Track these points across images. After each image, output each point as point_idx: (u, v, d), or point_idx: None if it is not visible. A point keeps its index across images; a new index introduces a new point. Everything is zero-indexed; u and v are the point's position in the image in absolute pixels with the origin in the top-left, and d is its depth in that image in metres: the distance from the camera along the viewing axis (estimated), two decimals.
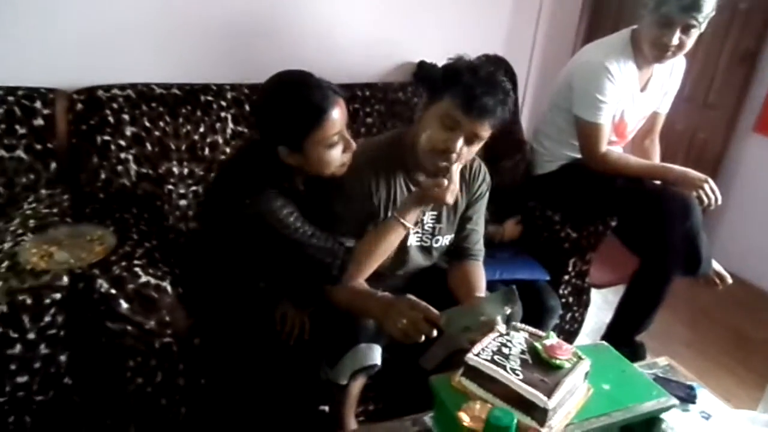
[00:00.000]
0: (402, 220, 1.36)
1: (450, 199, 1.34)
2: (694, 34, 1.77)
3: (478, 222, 1.59)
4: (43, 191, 1.58)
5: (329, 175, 1.33)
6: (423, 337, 1.20)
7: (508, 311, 1.26)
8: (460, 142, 1.31)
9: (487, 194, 1.58)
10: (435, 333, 1.21)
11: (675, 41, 1.75)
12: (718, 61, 2.80)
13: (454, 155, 1.32)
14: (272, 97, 1.30)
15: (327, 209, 1.40)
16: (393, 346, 1.46)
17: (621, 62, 1.84)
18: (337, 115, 1.26)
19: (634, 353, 1.94)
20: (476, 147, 1.36)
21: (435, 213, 1.51)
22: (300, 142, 1.26)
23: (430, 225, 1.52)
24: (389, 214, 1.42)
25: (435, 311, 1.22)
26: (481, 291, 1.49)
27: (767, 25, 2.63)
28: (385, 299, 1.31)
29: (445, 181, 1.31)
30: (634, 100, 1.94)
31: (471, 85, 1.27)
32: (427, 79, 1.37)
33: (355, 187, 1.40)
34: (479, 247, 1.59)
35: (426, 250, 1.55)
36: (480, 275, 1.55)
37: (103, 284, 1.26)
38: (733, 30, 2.71)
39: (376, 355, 1.36)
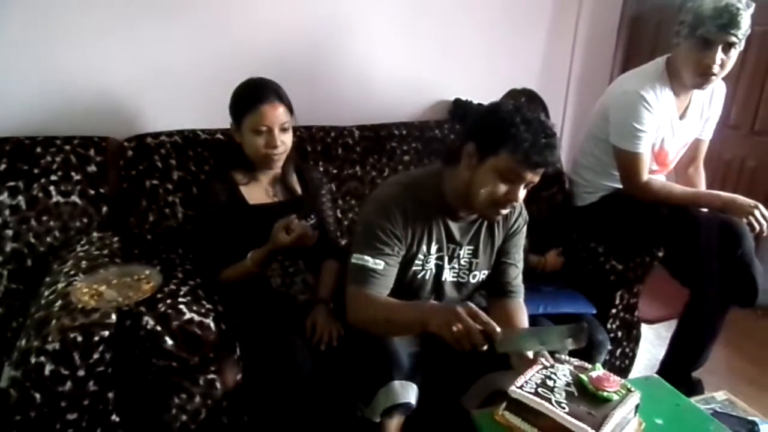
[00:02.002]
0: (248, 260, 1.55)
1: (291, 241, 1.48)
2: (734, 53, 1.74)
3: (516, 257, 1.55)
4: (95, 234, 1.66)
5: (255, 161, 1.63)
6: (471, 347, 1.16)
7: (571, 347, 1.22)
8: (522, 191, 1.32)
9: (525, 229, 1.55)
10: (486, 347, 1.17)
11: (718, 61, 1.72)
12: (764, 87, 2.74)
13: (517, 203, 1.34)
14: (238, 86, 1.65)
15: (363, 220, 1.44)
16: (432, 384, 1.44)
17: (657, 90, 1.82)
18: (268, 112, 1.56)
19: (691, 390, 1.84)
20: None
21: (471, 248, 1.49)
22: (239, 120, 1.60)
23: (467, 260, 1.50)
24: (421, 251, 1.43)
25: (495, 325, 1.17)
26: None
27: None
28: (437, 304, 1.31)
29: (294, 222, 1.49)
30: (673, 127, 1.91)
31: (528, 140, 1.24)
32: (477, 132, 1.34)
33: (390, 215, 1.39)
34: (518, 282, 1.54)
35: (462, 285, 1.53)
36: (521, 312, 1.51)
37: (149, 321, 1.29)
38: None
39: (410, 393, 1.34)
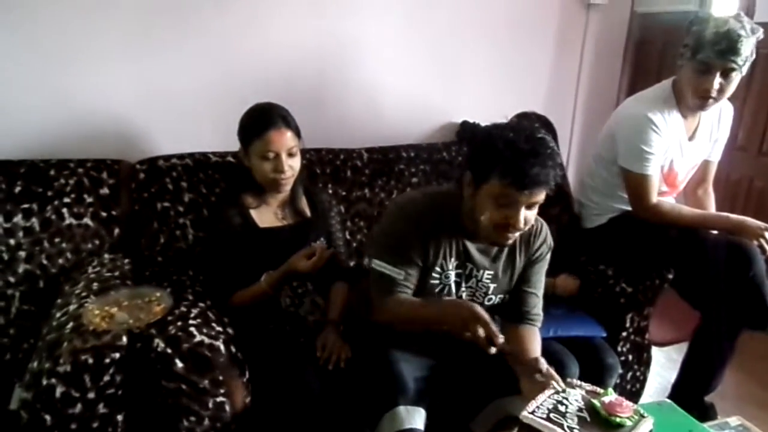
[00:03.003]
0: (262, 282, 1.58)
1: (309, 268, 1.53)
2: (735, 78, 1.75)
3: (537, 286, 1.53)
4: (107, 256, 1.67)
5: (263, 185, 1.64)
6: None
7: None
8: (522, 215, 1.30)
9: (548, 257, 1.53)
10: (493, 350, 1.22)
11: (716, 86, 1.74)
12: None
13: (520, 227, 1.31)
14: (246, 112, 1.65)
15: (383, 230, 1.48)
16: (441, 408, 1.43)
17: (665, 113, 1.84)
18: (275, 138, 1.57)
19: (704, 415, 1.82)
20: (536, 209, 1.34)
21: (492, 272, 1.48)
22: (247, 146, 1.61)
23: (485, 283, 1.49)
24: (439, 264, 1.43)
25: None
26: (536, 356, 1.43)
27: None
28: (454, 303, 1.37)
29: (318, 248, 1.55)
30: (682, 149, 1.91)
31: (515, 162, 1.23)
32: (470, 160, 1.37)
33: (411, 223, 1.42)
34: (537, 311, 1.52)
35: None
36: (536, 340, 1.49)
37: (159, 343, 1.30)
38: None
39: (416, 418, 1.32)
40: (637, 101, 1.95)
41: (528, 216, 1.32)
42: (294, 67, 2.07)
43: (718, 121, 1.97)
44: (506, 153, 1.24)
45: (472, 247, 1.45)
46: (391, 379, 1.34)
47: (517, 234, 1.35)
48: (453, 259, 1.45)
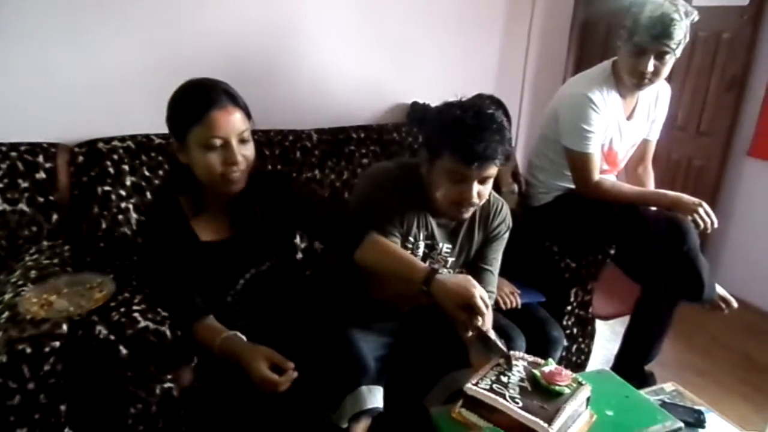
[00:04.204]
0: (218, 342, 1.29)
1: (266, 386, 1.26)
2: (669, 60, 1.81)
3: (494, 264, 1.58)
4: (45, 242, 1.61)
5: (209, 184, 1.31)
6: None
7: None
8: (474, 189, 1.34)
9: (506, 236, 1.58)
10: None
11: (650, 68, 1.80)
12: (708, 90, 2.86)
13: (474, 201, 1.36)
14: (175, 92, 1.33)
15: (359, 202, 1.45)
16: (397, 386, 1.45)
17: (604, 92, 1.89)
18: (221, 118, 1.25)
19: (644, 383, 1.89)
20: (490, 183, 1.39)
21: (450, 246, 1.52)
22: (183, 136, 1.28)
23: (444, 257, 1.53)
24: (412, 234, 1.46)
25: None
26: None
27: (750, 52, 2.69)
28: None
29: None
30: (621, 128, 1.97)
31: (463, 138, 1.28)
32: (425, 138, 1.42)
33: (389, 192, 1.44)
34: (491, 288, 1.57)
35: None
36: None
37: (102, 330, 1.27)
38: (718, 59, 2.78)
39: (377, 397, 1.34)
40: (577, 81, 2.00)
41: (481, 190, 1.36)
42: (240, 46, 2.02)
43: (655, 101, 2.04)
44: (455, 130, 1.29)
45: (433, 222, 1.49)
46: (353, 359, 1.35)
47: (472, 208, 1.39)
48: (422, 231, 1.48)
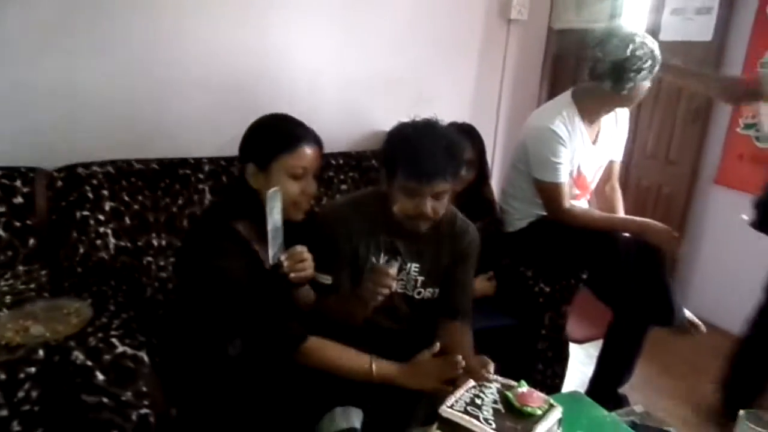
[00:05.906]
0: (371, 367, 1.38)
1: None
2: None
3: (465, 282, 1.61)
4: (21, 267, 1.60)
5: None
6: None
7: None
8: (428, 205, 1.40)
9: (475, 256, 1.62)
10: None
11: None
12: (675, 121, 2.98)
13: (429, 215, 1.41)
14: (258, 122, 1.43)
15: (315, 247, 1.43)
16: (377, 407, 1.46)
17: (567, 123, 1.96)
18: (310, 152, 1.37)
19: (617, 406, 1.93)
20: (446, 198, 1.45)
21: (418, 265, 1.56)
22: (269, 161, 1.35)
23: (414, 276, 1.56)
24: (371, 262, 1.50)
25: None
26: (465, 352, 1.44)
27: None
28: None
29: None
30: (587, 153, 2.04)
31: (409, 157, 1.36)
32: (382, 159, 1.48)
33: (338, 228, 1.49)
34: (464, 308, 1.59)
35: (410, 299, 1.58)
36: (466, 336, 1.56)
37: (78, 356, 1.26)
38: (684, 92, 2.90)
39: (353, 418, 1.35)
40: (541, 114, 2.08)
41: (435, 206, 1.42)
42: (218, 72, 2.05)
43: (615, 122, 2.13)
44: (406, 148, 1.38)
45: (399, 243, 1.53)
46: (328, 380, 1.36)
47: (429, 222, 1.45)
48: (382, 254, 1.52)
